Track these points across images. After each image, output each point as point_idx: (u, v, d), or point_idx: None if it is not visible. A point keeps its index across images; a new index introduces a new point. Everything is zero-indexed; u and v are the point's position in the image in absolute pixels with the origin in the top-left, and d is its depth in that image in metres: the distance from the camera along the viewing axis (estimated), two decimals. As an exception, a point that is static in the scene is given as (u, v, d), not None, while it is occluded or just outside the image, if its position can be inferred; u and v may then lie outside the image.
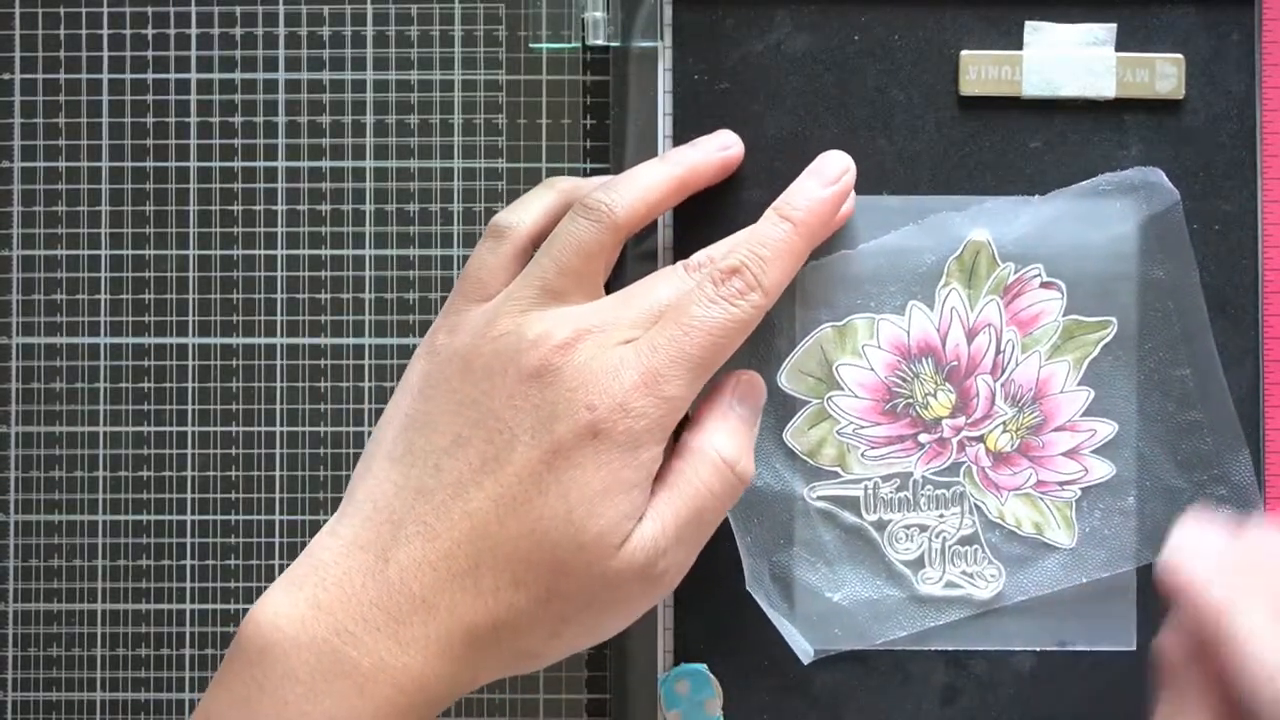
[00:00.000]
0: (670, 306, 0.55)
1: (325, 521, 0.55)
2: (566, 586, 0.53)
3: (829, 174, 0.59)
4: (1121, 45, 0.62)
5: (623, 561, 0.53)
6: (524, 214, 0.59)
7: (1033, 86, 0.62)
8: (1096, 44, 0.62)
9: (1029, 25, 0.62)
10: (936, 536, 0.62)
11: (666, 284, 0.56)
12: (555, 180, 0.61)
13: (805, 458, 0.62)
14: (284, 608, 0.52)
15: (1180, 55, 0.62)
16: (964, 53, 0.62)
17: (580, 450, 0.53)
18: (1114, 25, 0.62)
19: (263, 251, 0.64)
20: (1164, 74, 0.62)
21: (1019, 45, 0.62)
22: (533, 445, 0.53)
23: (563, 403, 0.53)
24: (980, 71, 0.62)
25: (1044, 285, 0.62)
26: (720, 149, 0.61)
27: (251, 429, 0.64)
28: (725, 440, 0.56)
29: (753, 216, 0.61)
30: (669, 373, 0.54)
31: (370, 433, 0.64)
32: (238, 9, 0.64)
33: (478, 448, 0.54)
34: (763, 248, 0.56)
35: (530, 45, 0.64)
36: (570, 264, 0.56)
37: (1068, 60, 0.62)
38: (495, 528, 0.53)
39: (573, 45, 0.64)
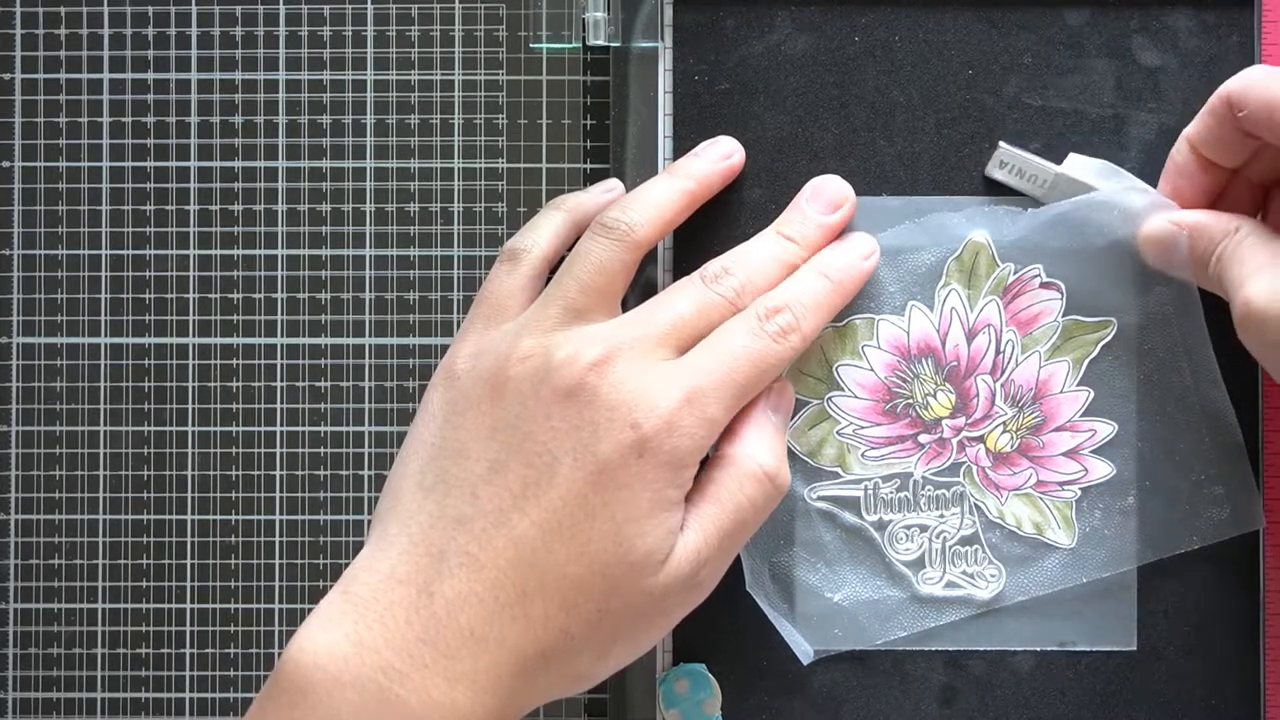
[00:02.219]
0: (692, 321, 0.56)
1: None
2: (616, 605, 0.53)
3: (865, 249, 0.60)
4: (1121, 46, 0.62)
5: (669, 576, 0.54)
6: (537, 237, 0.59)
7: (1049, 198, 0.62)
8: (1127, 195, 0.61)
9: (1071, 157, 0.62)
10: (937, 537, 0.62)
11: (686, 297, 0.57)
12: (561, 200, 0.61)
13: (805, 458, 0.62)
14: (324, 646, 0.51)
15: None
16: (1003, 144, 0.62)
17: (626, 470, 0.53)
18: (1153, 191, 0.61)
19: (263, 251, 0.64)
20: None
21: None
22: (576, 467, 0.53)
23: (604, 422, 0.53)
24: (1010, 166, 0.62)
25: (1044, 285, 0.62)
26: (723, 158, 0.61)
27: (251, 429, 0.64)
28: (764, 451, 0.56)
29: (754, 216, 0.61)
30: (713, 395, 0.54)
31: (370, 435, 0.64)
32: (238, 9, 0.64)
33: (517, 473, 0.53)
34: (807, 296, 0.57)
35: (530, 45, 0.64)
36: (593, 283, 0.56)
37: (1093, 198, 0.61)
38: (543, 554, 0.52)
39: (573, 45, 0.64)
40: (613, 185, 0.62)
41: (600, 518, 0.52)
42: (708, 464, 0.56)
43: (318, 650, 0.51)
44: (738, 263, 0.58)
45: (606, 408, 0.53)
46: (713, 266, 0.57)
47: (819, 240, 0.60)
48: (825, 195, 0.61)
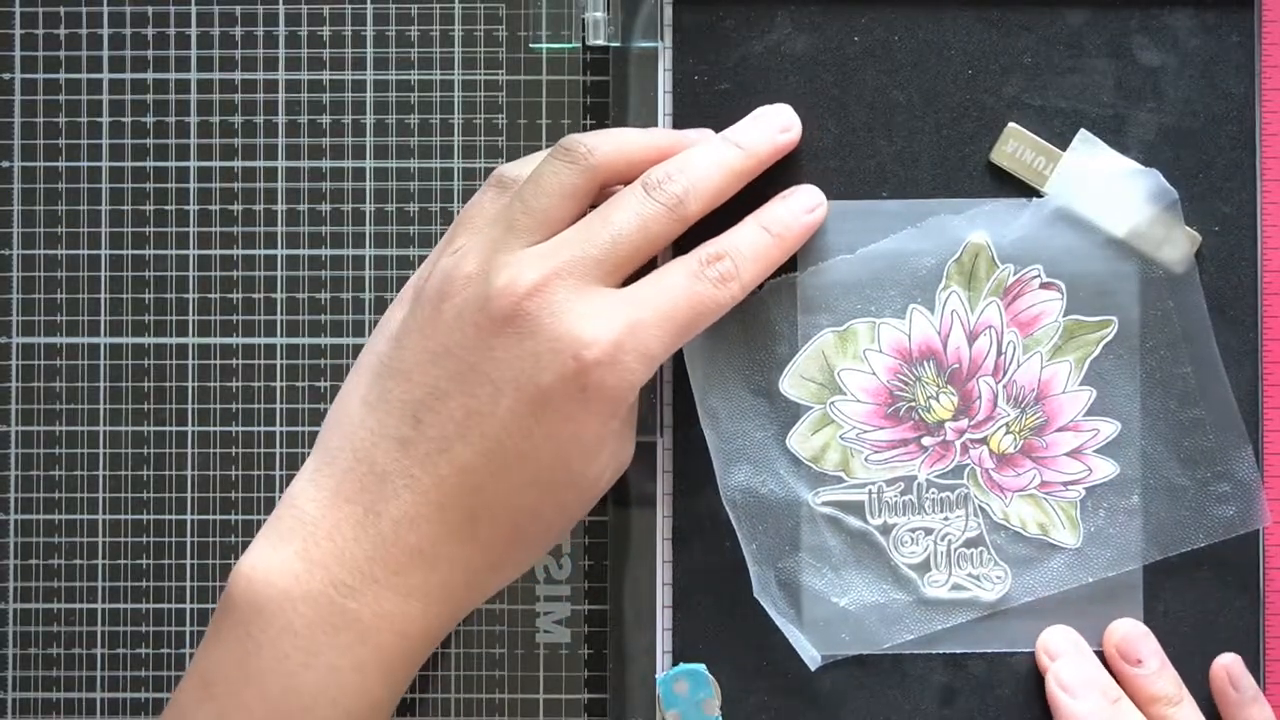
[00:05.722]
0: (631, 236, 0.55)
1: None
2: (563, 519, 0.56)
3: (809, 203, 0.61)
4: (1121, 46, 0.62)
5: (604, 485, 0.56)
6: (529, 169, 0.58)
7: (1054, 188, 0.61)
8: (1132, 178, 0.61)
9: (1082, 134, 0.62)
10: (942, 539, 0.62)
11: (626, 210, 0.56)
12: (565, 140, 0.60)
13: (809, 463, 0.62)
14: (275, 563, 0.53)
15: (1198, 234, 0.62)
16: (1013, 124, 0.62)
17: (569, 402, 0.53)
18: (1156, 173, 0.61)
19: (263, 251, 0.64)
20: (1174, 240, 0.61)
21: (1057, 119, 0.62)
22: (518, 398, 0.53)
23: (546, 353, 0.53)
24: (1018, 149, 0.62)
25: (1044, 286, 0.62)
26: (699, 135, 0.61)
27: (251, 429, 0.64)
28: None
29: (750, 208, 0.60)
30: (654, 331, 0.54)
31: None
32: (238, 9, 0.64)
33: (459, 401, 0.54)
34: (746, 246, 0.58)
35: (530, 45, 0.64)
36: (539, 204, 0.56)
37: (1099, 187, 0.61)
38: (490, 483, 0.53)
39: (573, 45, 0.64)
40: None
41: (545, 450, 0.53)
42: None
43: (269, 568, 0.52)
44: (682, 169, 0.57)
45: (548, 338, 0.53)
46: (656, 172, 0.57)
47: (766, 152, 0.60)
48: (774, 117, 0.61)
